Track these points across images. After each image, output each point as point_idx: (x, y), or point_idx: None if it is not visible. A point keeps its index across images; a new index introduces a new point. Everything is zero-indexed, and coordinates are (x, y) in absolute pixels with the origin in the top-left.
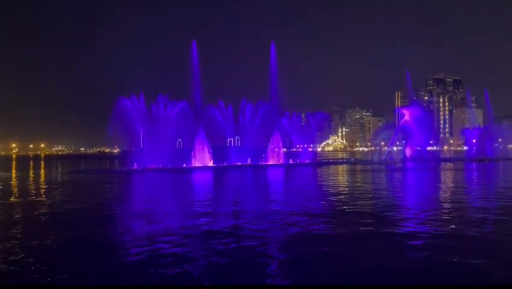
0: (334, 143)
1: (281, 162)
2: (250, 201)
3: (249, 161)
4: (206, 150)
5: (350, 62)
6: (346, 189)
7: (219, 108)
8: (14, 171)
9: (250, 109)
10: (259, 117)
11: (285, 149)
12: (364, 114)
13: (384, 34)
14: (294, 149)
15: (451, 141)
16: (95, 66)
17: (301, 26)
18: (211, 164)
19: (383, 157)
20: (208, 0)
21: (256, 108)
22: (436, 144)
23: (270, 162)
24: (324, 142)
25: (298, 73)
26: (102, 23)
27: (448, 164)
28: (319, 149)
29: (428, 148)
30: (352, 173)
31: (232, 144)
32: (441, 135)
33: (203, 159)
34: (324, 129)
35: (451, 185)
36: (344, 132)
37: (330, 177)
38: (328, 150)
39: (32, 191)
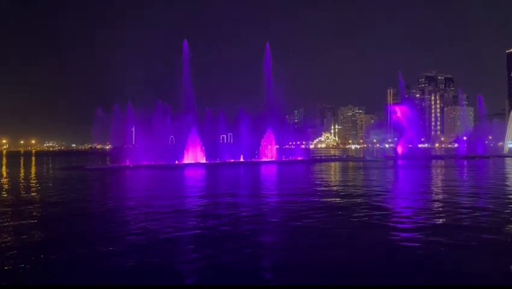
0: (326, 140)
1: (274, 159)
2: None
3: (241, 158)
4: (198, 147)
5: (343, 59)
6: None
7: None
8: (4, 168)
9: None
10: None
11: (277, 146)
12: (357, 111)
13: (377, 32)
14: (287, 146)
15: (442, 139)
16: (87, 62)
17: (294, 24)
18: (203, 160)
19: (375, 154)
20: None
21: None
22: (427, 141)
23: (263, 159)
24: (317, 140)
25: (291, 70)
26: (95, 22)
27: (439, 161)
28: (312, 146)
29: (420, 145)
30: (344, 170)
31: (225, 141)
32: (433, 133)
33: (196, 155)
34: (316, 126)
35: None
36: (336, 129)
37: (324, 175)
38: (321, 147)
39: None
